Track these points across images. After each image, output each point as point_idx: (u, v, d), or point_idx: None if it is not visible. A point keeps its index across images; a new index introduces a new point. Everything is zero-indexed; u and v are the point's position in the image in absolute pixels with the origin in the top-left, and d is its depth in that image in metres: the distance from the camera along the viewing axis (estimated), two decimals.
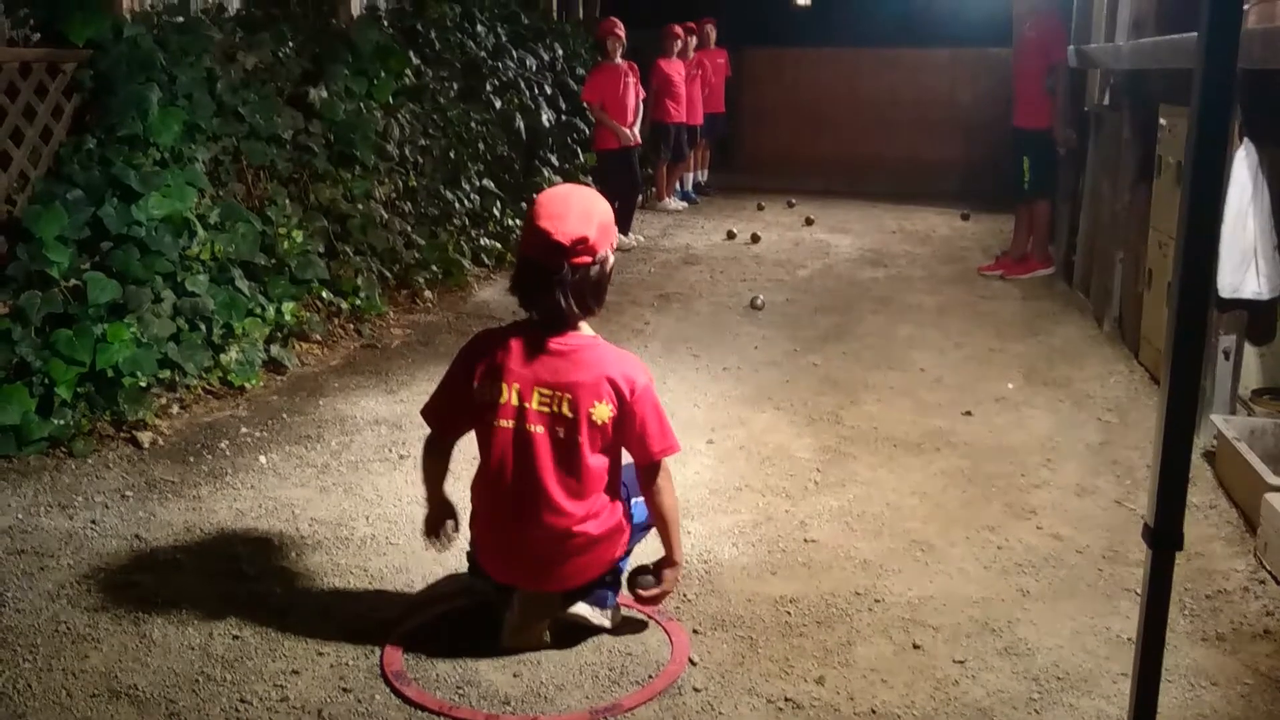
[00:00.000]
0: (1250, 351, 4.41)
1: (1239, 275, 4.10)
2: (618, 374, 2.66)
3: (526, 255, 2.67)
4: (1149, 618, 1.89)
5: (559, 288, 2.58)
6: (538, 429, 2.63)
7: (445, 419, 2.82)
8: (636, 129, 8.86)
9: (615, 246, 2.74)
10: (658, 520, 2.80)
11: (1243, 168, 4.05)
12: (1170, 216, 4.91)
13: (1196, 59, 1.73)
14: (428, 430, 4.34)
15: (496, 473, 2.68)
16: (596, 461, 2.68)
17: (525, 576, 2.74)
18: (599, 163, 9.00)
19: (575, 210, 2.61)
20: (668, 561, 2.84)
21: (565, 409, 2.62)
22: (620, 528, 2.79)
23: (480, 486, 2.77)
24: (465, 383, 2.70)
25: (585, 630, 2.84)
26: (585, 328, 2.73)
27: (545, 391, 2.63)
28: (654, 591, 2.83)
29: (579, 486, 2.66)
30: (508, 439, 2.65)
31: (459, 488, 2.93)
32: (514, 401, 2.63)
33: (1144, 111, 5.58)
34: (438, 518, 2.96)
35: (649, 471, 2.74)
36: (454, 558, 3.32)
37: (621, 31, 8.82)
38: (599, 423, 2.64)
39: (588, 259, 2.60)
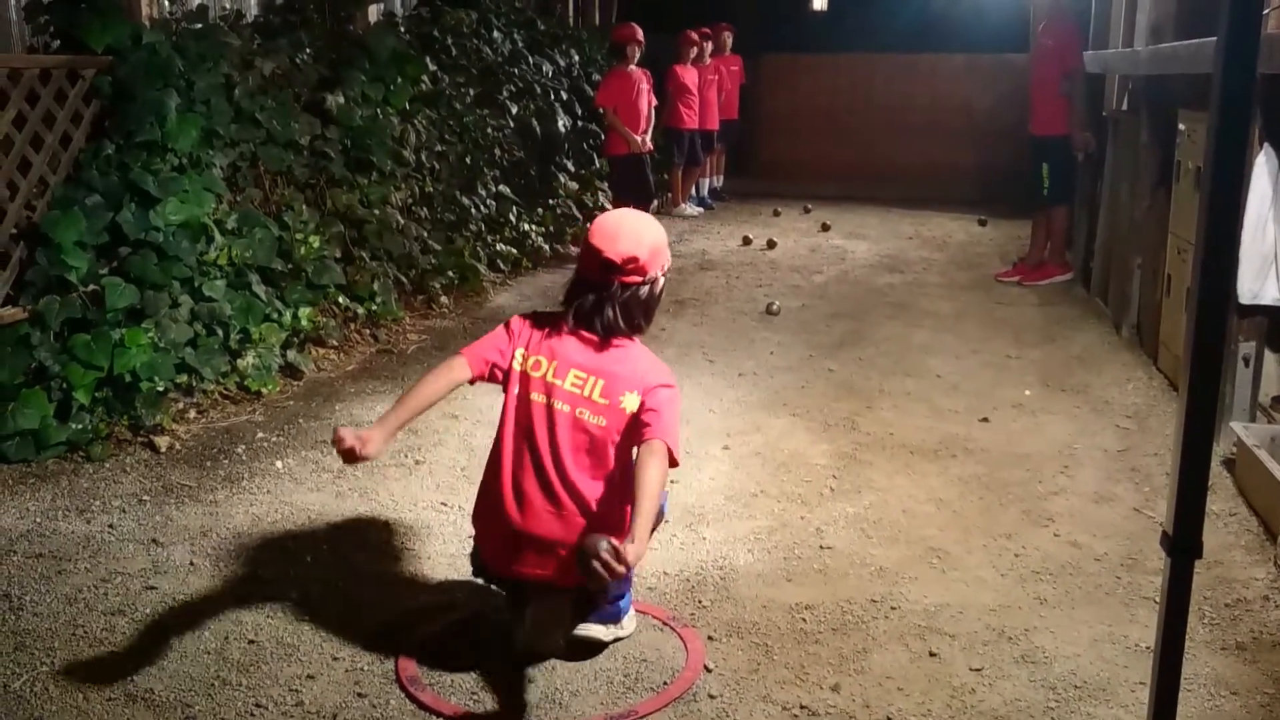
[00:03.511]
0: (1270, 358, 4.37)
1: (1259, 281, 4.07)
2: (650, 373, 2.72)
3: (580, 274, 2.77)
4: (1168, 626, 1.87)
5: (609, 303, 2.69)
6: (564, 407, 2.67)
7: (480, 361, 2.76)
8: (649, 136, 8.86)
9: (666, 269, 2.80)
10: (636, 492, 2.50)
11: (1263, 173, 4.03)
12: (1189, 222, 4.88)
13: (1216, 64, 1.72)
14: (441, 435, 4.35)
15: (516, 446, 2.69)
16: (616, 452, 2.69)
17: (532, 564, 2.69)
18: (610, 168, 9.01)
19: (626, 231, 2.71)
20: (631, 538, 2.38)
21: (597, 394, 2.67)
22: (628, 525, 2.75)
23: (492, 470, 2.74)
24: (507, 344, 2.75)
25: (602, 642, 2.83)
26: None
27: (580, 374, 2.68)
28: (609, 560, 2.31)
29: (595, 470, 2.68)
30: (536, 413, 2.68)
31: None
32: (549, 377, 2.68)
33: (1163, 116, 5.55)
34: (377, 438, 2.62)
35: (649, 448, 2.57)
36: (469, 564, 3.32)
37: (641, 37, 8.82)
38: (627, 411, 2.67)
39: (637, 278, 2.70)
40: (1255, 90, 3.78)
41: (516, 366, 2.72)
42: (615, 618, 2.83)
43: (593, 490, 2.67)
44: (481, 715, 2.56)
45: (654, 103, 9.07)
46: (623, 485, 2.71)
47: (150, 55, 4.67)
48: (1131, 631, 2.94)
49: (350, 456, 2.57)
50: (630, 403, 2.67)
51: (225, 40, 5.20)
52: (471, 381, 2.77)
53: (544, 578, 2.71)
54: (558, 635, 2.76)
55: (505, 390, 2.75)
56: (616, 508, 2.70)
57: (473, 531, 2.88)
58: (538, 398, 2.69)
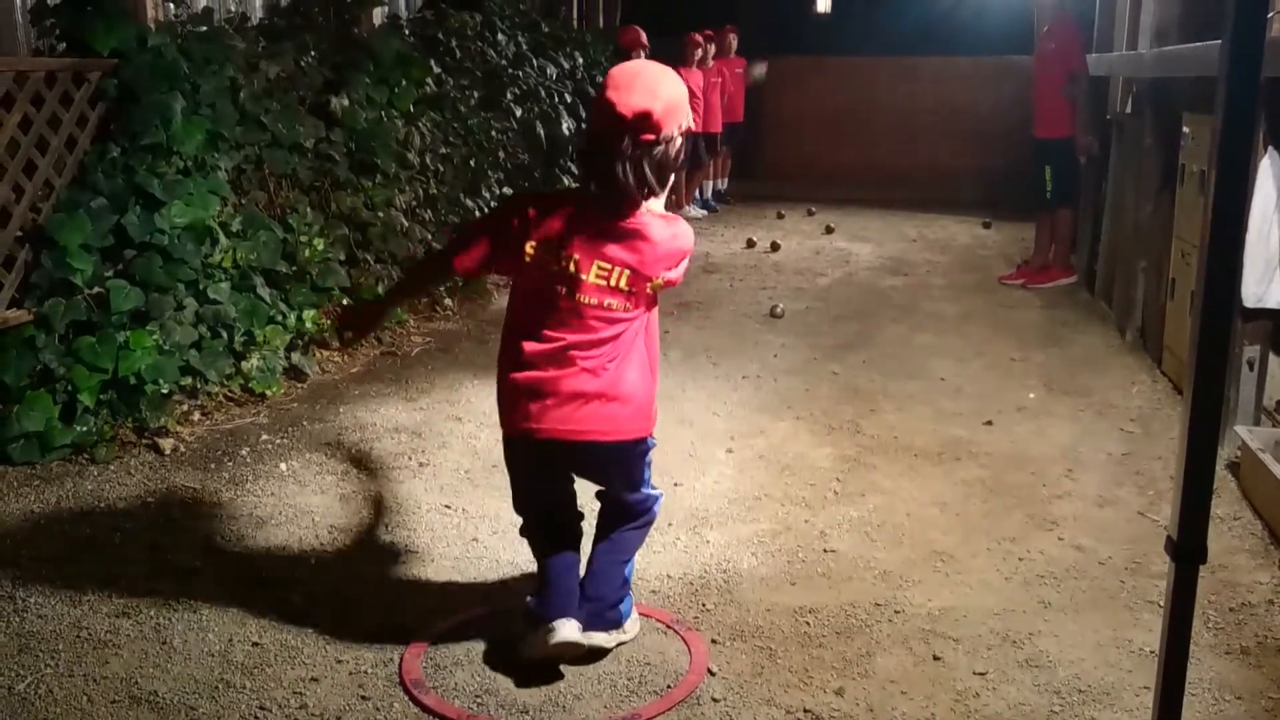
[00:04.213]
0: (1275, 361, 4.36)
1: (1264, 285, 4.06)
2: (673, 252, 2.67)
3: (592, 130, 2.67)
4: (1172, 631, 1.87)
5: (619, 161, 2.55)
6: (590, 300, 2.62)
7: (471, 270, 2.75)
8: None
9: (684, 130, 2.68)
10: None
11: (1267, 176, 4.02)
12: (1194, 225, 4.88)
13: (1221, 67, 1.72)
14: (445, 438, 4.34)
15: (537, 332, 2.64)
16: (642, 334, 2.71)
17: (556, 417, 2.65)
18: None
19: (642, 84, 2.58)
20: None
21: (624, 283, 2.62)
22: (651, 401, 2.77)
23: (515, 337, 2.70)
24: (514, 241, 2.64)
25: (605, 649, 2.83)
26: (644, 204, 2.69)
27: (604, 265, 2.61)
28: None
29: (621, 352, 2.67)
30: (561, 306, 2.62)
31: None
32: (570, 269, 2.60)
33: (1167, 119, 5.55)
34: (372, 322, 2.88)
35: None
36: (474, 567, 3.33)
37: (646, 41, 8.84)
38: (651, 290, 2.67)
39: (651, 135, 2.57)
40: (1260, 93, 3.78)
41: (529, 260, 2.62)
42: (617, 623, 2.83)
43: (618, 365, 2.66)
44: (485, 718, 2.56)
45: None
46: (646, 351, 2.73)
47: (155, 58, 4.67)
48: (1136, 635, 2.94)
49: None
50: (656, 284, 2.66)
51: (230, 43, 5.21)
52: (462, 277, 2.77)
53: (571, 431, 2.66)
54: (567, 657, 2.75)
55: (516, 278, 2.69)
56: (643, 377, 2.72)
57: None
58: (560, 290, 2.61)
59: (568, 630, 2.69)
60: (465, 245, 2.72)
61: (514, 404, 2.70)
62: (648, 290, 2.66)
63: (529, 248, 2.62)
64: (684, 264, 2.75)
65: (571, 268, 2.60)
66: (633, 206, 2.62)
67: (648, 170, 2.57)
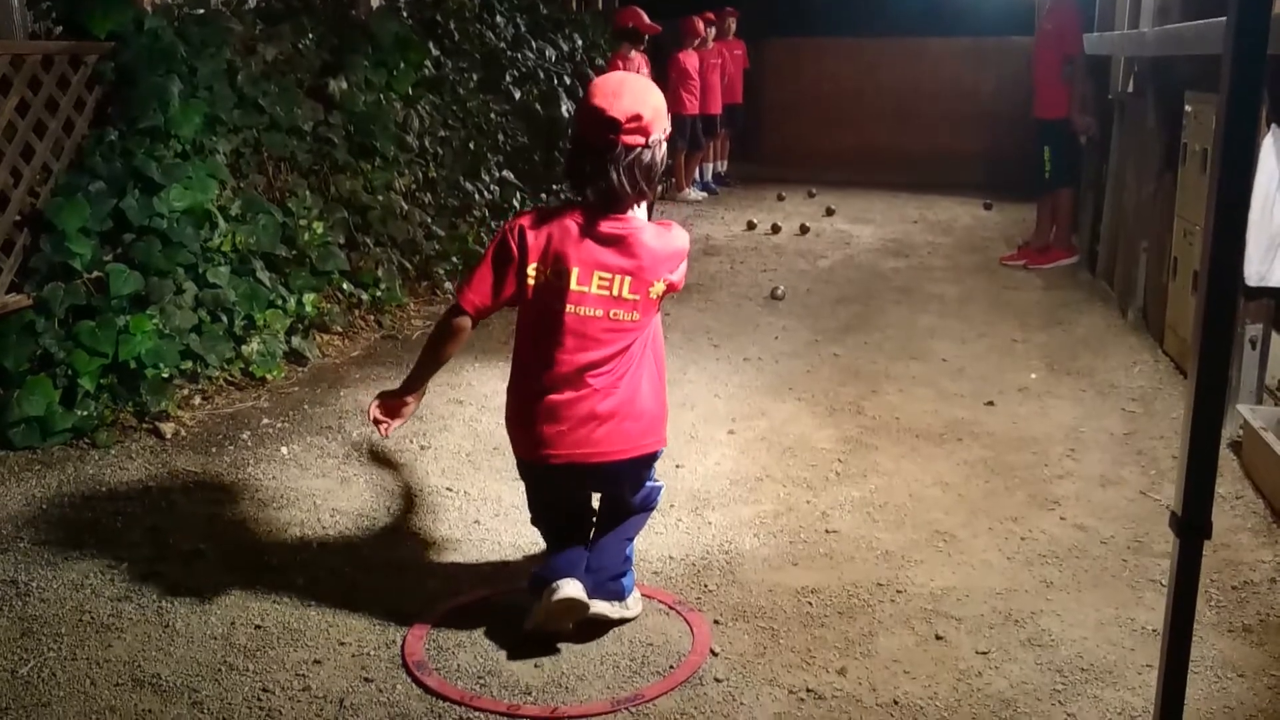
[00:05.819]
0: (1277, 340, 4.36)
1: (1266, 263, 4.05)
2: (671, 254, 2.71)
3: (580, 136, 2.70)
4: (1177, 606, 1.86)
5: (612, 165, 2.61)
6: (596, 312, 2.64)
7: (487, 306, 2.72)
8: None
9: (667, 134, 2.75)
10: None
11: (1271, 154, 4.00)
12: (1196, 205, 4.86)
13: (1225, 44, 1.71)
14: (446, 420, 4.34)
15: (547, 354, 2.66)
16: (649, 345, 2.74)
17: (572, 441, 2.68)
18: None
19: (629, 91, 2.64)
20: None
21: (626, 291, 2.65)
22: (663, 413, 2.81)
23: (525, 361, 2.74)
24: (516, 267, 2.67)
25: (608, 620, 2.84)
26: (632, 210, 2.73)
27: (605, 275, 2.64)
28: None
29: (631, 366, 2.69)
30: (567, 324, 2.64)
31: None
32: (573, 285, 2.63)
33: (1169, 99, 5.53)
34: (403, 403, 2.86)
35: None
36: (475, 549, 3.33)
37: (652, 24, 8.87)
38: (653, 296, 2.69)
39: (641, 139, 2.63)
40: (1265, 71, 3.75)
41: (530, 281, 2.65)
42: (619, 595, 2.83)
43: (628, 379, 2.69)
44: (487, 699, 2.56)
45: None
46: (654, 368, 2.77)
47: (153, 41, 4.66)
48: (1138, 614, 2.94)
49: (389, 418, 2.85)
50: (658, 289, 2.69)
51: (228, 25, 5.18)
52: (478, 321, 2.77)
53: (586, 454, 2.70)
54: (570, 621, 2.76)
55: (521, 304, 2.70)
56: (654, 389, 2.75)
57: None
58: (566, 308, 2.63)
59: (571, 588, 2.69)
60: (470, 284, 2.72)
61: (528, 430, 2.73)
62: (650, 296, 2.68)
63: (531, 270, 2.65)
64: (683, 266, 2.77)
65: (573, 282, 2.62)
66: (625, 211, 2.67)
67: (639, 176, 2.64)
